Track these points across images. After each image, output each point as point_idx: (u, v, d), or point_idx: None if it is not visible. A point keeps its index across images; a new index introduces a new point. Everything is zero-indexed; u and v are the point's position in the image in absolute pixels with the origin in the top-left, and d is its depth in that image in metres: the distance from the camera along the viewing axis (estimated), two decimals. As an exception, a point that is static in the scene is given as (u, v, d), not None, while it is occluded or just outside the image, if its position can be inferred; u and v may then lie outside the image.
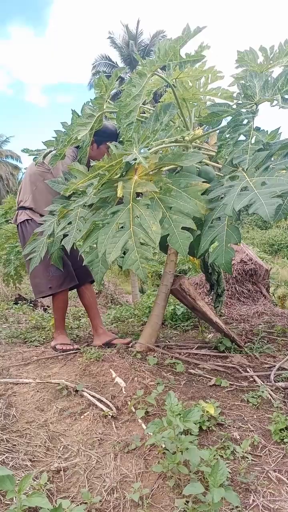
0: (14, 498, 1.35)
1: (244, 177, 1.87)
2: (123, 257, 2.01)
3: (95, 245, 2.18)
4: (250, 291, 4.92)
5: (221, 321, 3.03)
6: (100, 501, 1.47)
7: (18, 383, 2.23)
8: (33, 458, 1.65)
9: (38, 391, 2.14)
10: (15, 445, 1.70)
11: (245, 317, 4.25)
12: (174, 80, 2.56)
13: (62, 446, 1.74)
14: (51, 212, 2.61)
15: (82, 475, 1.59)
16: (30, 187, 2.92)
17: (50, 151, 2.73)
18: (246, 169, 1.91)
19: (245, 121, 2.10)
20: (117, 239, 1.93)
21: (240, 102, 2.19)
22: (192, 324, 3.92)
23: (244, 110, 2.11)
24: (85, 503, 1.43)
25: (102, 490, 1.53)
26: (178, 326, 3.91)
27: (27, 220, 2.90)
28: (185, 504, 1.40)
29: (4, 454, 1.61)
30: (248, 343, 3.20)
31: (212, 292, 3.38)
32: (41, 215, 2.85)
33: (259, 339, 3.31)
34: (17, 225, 2.99)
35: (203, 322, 3.61)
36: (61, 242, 2.45)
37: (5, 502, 1.40)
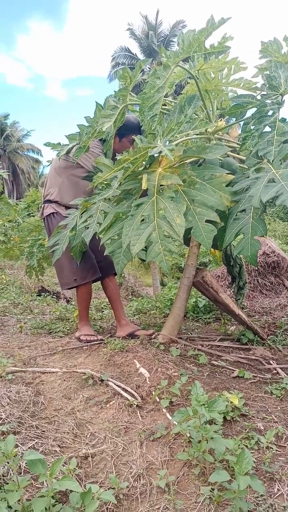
0: (45, 482, 1.40)
1: (270, 169, 1.87)
2: (145, 250, 2.03)
3: (116, 236, 2.21)
4: (272, 283, 4.88)
5: (243, 313, 3.03)
6: (127, 486, 1.51)
7: (45, 372, 2.29)
8: (62, 444, 1.70)
9: (64, 380, 2.20)
10: (44, 431, 1.75)
11: (267, 309, 4.23)
12: (196, 71, 2.54)
13: (89, 433, 1.79)
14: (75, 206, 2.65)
15: (109, 461, 1.63)
16: (56, 181, 2.97)
17: (74, 146, 2.77)
18: (272, 161, 1.90)
19: (270, 112, 2.08)
20: (141, 231, 1.95)
21: (264, 93, 2.17)
22: (214, 316, 3.93)
23: (269, 101, 2.10)
24: (113, 488, 1.47)
25: (129, 476, 1.57)
26: (200, 318, 3.92)
27: (53, 213, 2.95)
28: (210, 491, 1.43)
29: (34, 440, 1.67)
30: (271, 336, 3.19)
31: (234, 285, 3.37)
32: (67, 208, 2.89)
33: (282, 331, 3.29)
34: (43, 219, 3.05)
35: (225, 315, 3.61)
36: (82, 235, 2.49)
37: (36, 485, 1.45)
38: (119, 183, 2.17)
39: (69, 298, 6.46)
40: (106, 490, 1.44)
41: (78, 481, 1.51)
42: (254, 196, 1.75)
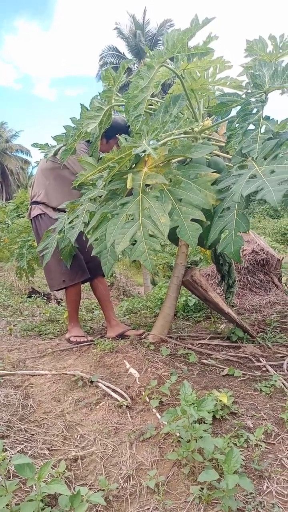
0: (34, 486, 1.39)
1: (253, 166, 1.87)
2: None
3: (103, 237, 2.21)
4: (262, 281, 4.90)
5: (233, 311, 3.04)
6: (117, 488, 1.51)
7: (34, 375, 2.27)
8: (51, 447, 1.69)
9: (54, 382, 2.19)
10: (33, 434, 1.74)
11: (257, 307, 4.25)
12: (182, 71, 2.54)
13: (78, 435, 1.78)
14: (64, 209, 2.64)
15: (99, 463, 1.63)
16: (43, 182, 2.96)
17: (61, 147, 2.75)
18: (255, 158, 1.91)
19: (254, 110, 2.09)
20: (125, 230, 1.95)
21: (249, 91, 2.18)
22: (204, 315, 3.94)
23: (253, 99, 2.10)
24: (103, 490, 1.47)
25: (118, 478, 1.56)
26: (190, 317, 3.93)
27: (40, 214, 2.94)
28: (200, 490, 1.43)
29: (23, 444, 1.65)
30: (261, 333, 3.20)
31: (223, 283, 3.38)
32: (54, 209, 2.88)
33: (272, 329, 3.31)
34: (31, 220, 3.03)
35: (215, 313, 3.63)
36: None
37: (25, 489, 1.44)
38: (104, 183, 2.16)
39: (60, 299, 6.43)
40: (95, 492, 1.44)
41: (67, 484, 1.50)
42: (236, 191, 1.76)
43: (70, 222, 2.37)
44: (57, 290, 3.17)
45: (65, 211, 2.64)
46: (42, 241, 2.69)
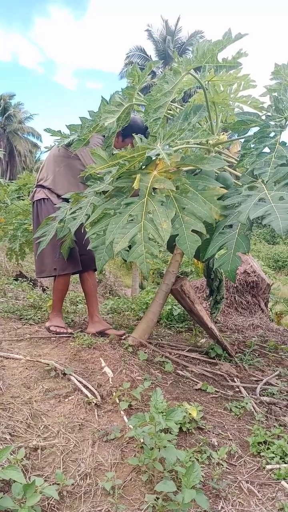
0: (-11, 469, 1.37)
1: (263, 189, 1.88)
2: (127, 250, 2.01)
3: (102, 232, 2.20)
4: (248, 302, 4.91)
5: (216, 328, 3.04)
6: (73, 484, 1.49)
7: (8, 358, 2.25)
8: (13, 432, 1.66)
9: (27, 368, 2.16)
10: (-3, 417, 1.72)
11: (240, 327, 4.26)
12: (206, 82, 2.55)
13: (43, 425, 1.76)
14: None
15: (59, 456, 1.61)
16: (53, 168, 2.94)
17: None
18: (266, 182, 1.91)
19: (272, 134, 2.09)
20: (126, 231, 1.94)
21: (269, 114, 2.19)
22: (186, 326, 3.93)
23: (272, 123, 2.11)
24: (58, 484, 1.45)
25: (75, 474, 1.55)
26: (173, 326, 3.92)
27: (44, 199, 2.92)
28: (155, 500, 1.42)
29: (-15, 424, 1.63)
30: (239, 354, 3.20)
31: (211, 298, 3.38)
32: (59, 197, 2.86)
33: (251, 351, 3.31)
34: (33, 202, 3.01)
35: (197, 326, 3.62)
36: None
37: (-20, 471, 1.42)
38: (112, 178, 2.15)
39: (46, 287, 6.39)
40: (50, 485, 1.42)
41: (23, 472, 1.48)
42: (243, 212, 1.76)
43: (72, 213, 2.35)
44: (44, 277, 3.14)
45: (68, 201, 2.62)
46: (40, 228, 2.67)
